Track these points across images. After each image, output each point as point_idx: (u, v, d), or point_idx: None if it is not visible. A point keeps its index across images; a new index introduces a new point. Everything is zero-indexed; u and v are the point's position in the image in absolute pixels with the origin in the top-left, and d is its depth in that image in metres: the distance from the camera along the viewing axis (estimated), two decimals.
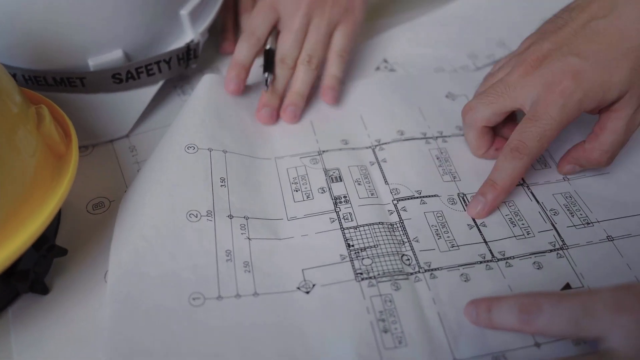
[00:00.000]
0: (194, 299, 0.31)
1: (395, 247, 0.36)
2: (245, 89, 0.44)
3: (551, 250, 0.36)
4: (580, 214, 0.38)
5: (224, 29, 0.51)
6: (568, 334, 0.28)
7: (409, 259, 0.35)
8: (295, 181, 0.39)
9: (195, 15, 0.44)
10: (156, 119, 0.44)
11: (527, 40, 0.39)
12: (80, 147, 0.41)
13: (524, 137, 0.35)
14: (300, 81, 0.43)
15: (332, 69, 0.45)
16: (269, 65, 0.43)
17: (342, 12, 0.45)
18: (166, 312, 0.30)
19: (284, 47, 0.44)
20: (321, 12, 0.44)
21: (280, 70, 0.43)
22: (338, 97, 0.45)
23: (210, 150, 0.39)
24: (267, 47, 0.44)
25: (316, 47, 0.44)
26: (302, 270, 0.34)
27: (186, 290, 0.31)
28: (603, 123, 0.36)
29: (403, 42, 0.52)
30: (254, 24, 0.44)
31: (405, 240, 0.36)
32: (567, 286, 0.34)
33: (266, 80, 0.42)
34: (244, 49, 0.43)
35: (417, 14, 0.54)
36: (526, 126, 0.35)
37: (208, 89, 0.43)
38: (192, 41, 0.43)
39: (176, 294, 0.31)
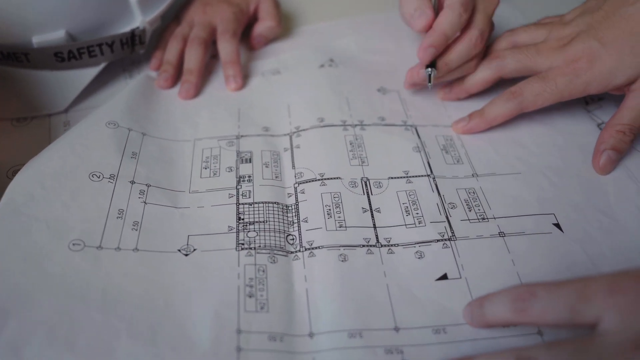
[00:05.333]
0: (73, 244, 0.35)
1: (284, 226, 0.39)
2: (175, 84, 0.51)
3: (438, 241, 0.38)
4: (478, 209, 0.40)
5: (157, 46, 0.54)
6: (564, 320, 0.29)
7: (293, 239, 0.38)
8: (207, 160, 0.44)
9: (145, 2, 0.49)
10: (98, 98, 0.50)
11: (572, 12, 0.46)
12: (19, 119, 0.47)
13: (525, 87, 0.43)
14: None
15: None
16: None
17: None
18: (44, 252, 0.34)
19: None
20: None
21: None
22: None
23: (129, 130, 0.44)
24: None
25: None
26: (188, 236, 0.38)
27: (69, 236, 0.35)
28: (624, 100, 0.42)
29: (352, 45, 0.56)
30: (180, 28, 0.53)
31: (295, 221, 0.39)
32: (444, 277, 0.36)
33: (429, 77, 0.44)
34: (172, 48, 0.51)
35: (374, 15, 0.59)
36: (532, 80, 0.43)
37: (143, 83, 0.49)
38: (137, 28, 0.49)
39: (58, 238, 0.35)
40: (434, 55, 0.43)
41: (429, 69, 0.44)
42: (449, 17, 0.43)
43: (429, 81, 0.44)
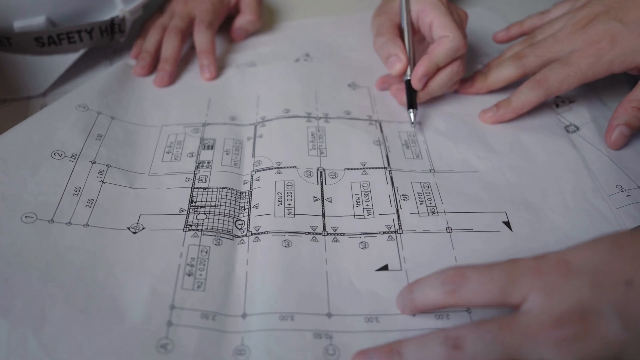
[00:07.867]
0: (26, 216, 0.37)
1: (234, 211, 0.40)
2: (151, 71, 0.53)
3: (384, 233, 0.39)
4: (430, 203, 0.41)
5: (139, 36, 0.56)
6: (495, 301, 0.30)
7: (242, 224, 0.40)
8: (171, 145, 0.45)
9: None
10: (77, 83, 0.52)
11: None
12: None
13: (549, 74, 0.44)
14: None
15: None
16: (412, 100, 0.46)
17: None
18: None
19: None
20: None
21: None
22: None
23: (99, 113, 0.46)
24: (406, 78, 0.46)
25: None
26: (140, 215, 0.40)
27: (22, 209, 0.38)
28: None
29: (329, 41, 0.57)
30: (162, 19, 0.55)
31: (247, 207, 0.41)
32: (385, 267, 0.37)
33: (411, 120, 0.46)
34: (151, 37, 0.53)
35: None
36: (555, 66, 0.44)
37: (120, 70, 0.52)
38: (117, 16, 0.51)
39: (11, 210, 0.37)
40: (425, 83, 0.44)
41: (411, 110, 0.45)
42: (446, 48, 0.43)
43: (412, 122, 0.45)
